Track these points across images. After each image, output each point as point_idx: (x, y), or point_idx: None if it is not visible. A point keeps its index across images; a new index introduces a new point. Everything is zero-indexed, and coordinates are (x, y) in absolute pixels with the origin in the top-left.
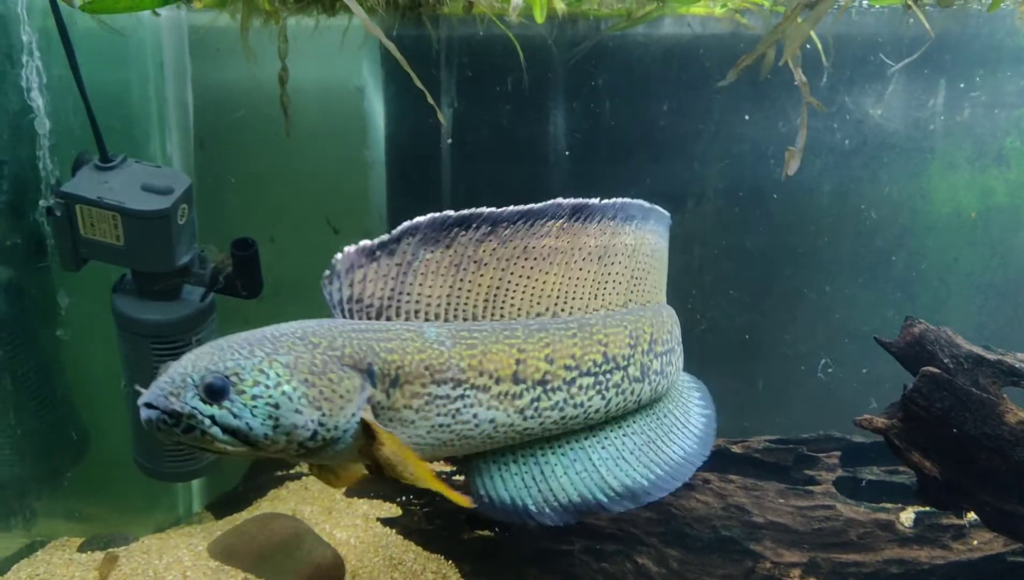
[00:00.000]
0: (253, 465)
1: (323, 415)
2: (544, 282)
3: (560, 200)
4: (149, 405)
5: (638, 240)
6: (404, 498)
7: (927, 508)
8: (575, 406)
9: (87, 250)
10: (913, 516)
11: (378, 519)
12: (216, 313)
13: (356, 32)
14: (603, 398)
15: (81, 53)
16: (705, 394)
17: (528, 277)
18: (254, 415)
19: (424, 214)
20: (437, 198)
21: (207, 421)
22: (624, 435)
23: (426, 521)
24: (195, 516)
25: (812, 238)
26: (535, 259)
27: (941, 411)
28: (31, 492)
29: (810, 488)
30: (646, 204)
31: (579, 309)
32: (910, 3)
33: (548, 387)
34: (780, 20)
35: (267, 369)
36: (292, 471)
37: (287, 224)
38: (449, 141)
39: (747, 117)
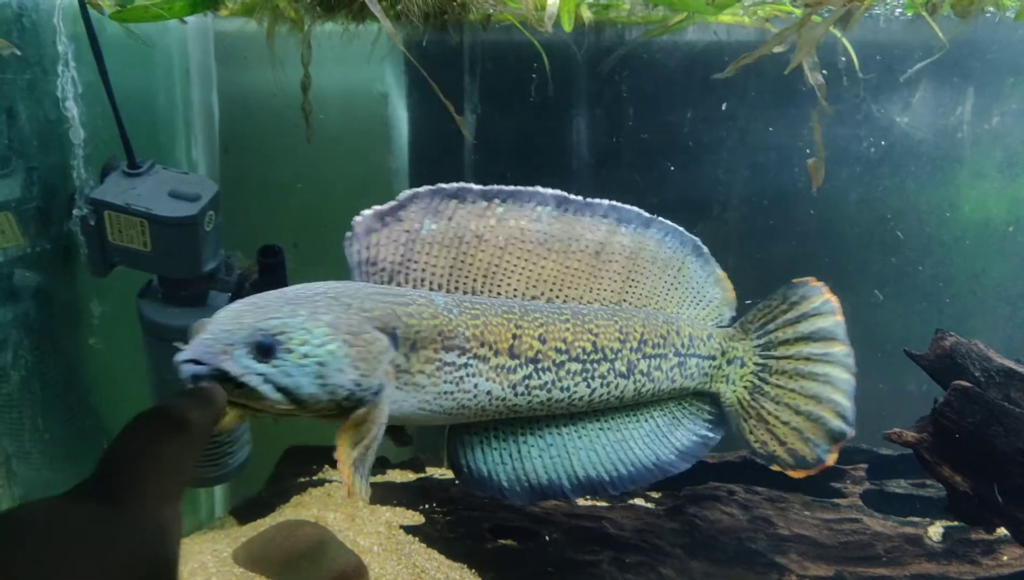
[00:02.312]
0: (275, 471)
1: (361, 375)
2: (541, 267)
3: (539, 188)
4: (196, 361)
5: (637, 244)
6: (427, 506)
7: (956, 523)
8: (561, 389)
9: (115, 256)
10: (942, 530)
11: (401, 527)
12: None
13: (382, 39)
14: (588, 386)
15: (109, 60)
16: (718, 420)
17: (526, 259)
18: (304, 374)
19: None
20: None
21: (257, 378)
22: (600, 429)
23: (449, 529)
24: (218, 521)
25: (837, 247)
26: (532, 242)
27: (972, 425)
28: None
29: (836, 501)
30: (644, 213)
31: (573, 298)
32: (922, 12)
33: (539, 366)
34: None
35: (312, 328)
36: (315, 478)
37: (311, 230)
38: (473, 143)
39: (772, 124)
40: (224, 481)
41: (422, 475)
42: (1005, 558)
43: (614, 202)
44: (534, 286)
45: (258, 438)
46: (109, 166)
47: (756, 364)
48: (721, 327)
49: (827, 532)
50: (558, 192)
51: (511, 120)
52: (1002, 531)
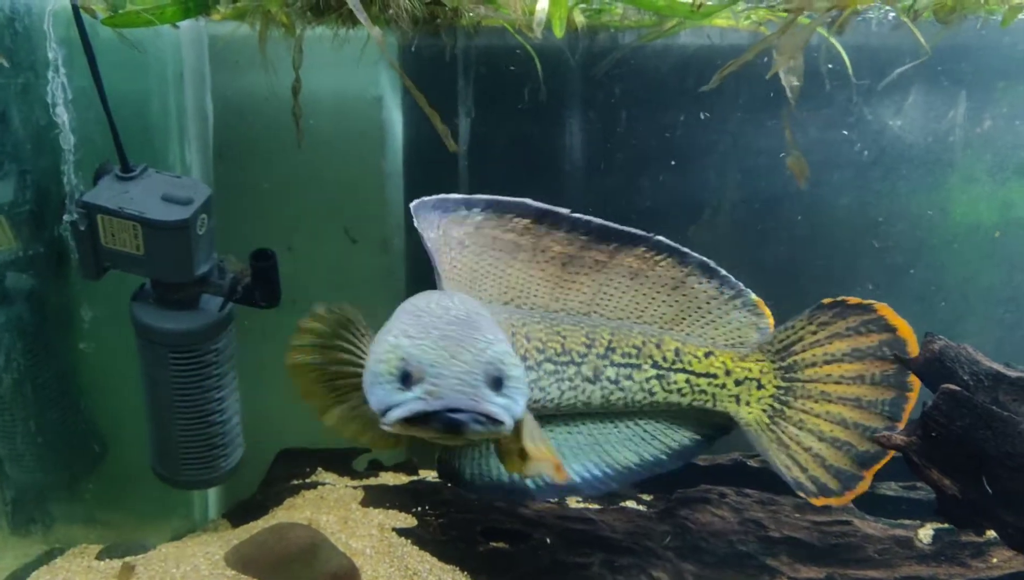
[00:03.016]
0: (268, 474)
1: (536, 391)
2: (509, 273)
3: (528, 201)
4: (457, 410)
5: (613, 260)
6: (420, 508)
7: (946, 525)
8: (539, 389)
9: (107, 259)
10: (932, 533)
11: (394, 529)
12: (235, 322)
13: (374, 44)
14: (559, 389)
15: (102, 64)
16: (697, 444)
17: (497, 265)
18: (521, 396)
19: None
20: None
21: (503, 412)
22: (569, 432)
23: (441, 532)
24: (211, 524)
25: (829, 251)
26: (501, 250)
27: (961, 429)
28: (50, 499)
29: None
30: (639, 232)
31: (540, 305)
32: (904, 17)
33: (526, 363)
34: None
35: (513, 353)
36: (309, 480)
37: (305, 234)
38: (465, 148)
39: (764, 128)
40: (217, 483)
41: (415, 478)
42: (995, 560)
43: (602, 221)
44: (504, 292)
45: (251, 440)
46: (102, 170)
47: (777, 387)
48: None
49: (818, 534)
50: (545, 206)
51: (505, 124)
52: (992, 534)
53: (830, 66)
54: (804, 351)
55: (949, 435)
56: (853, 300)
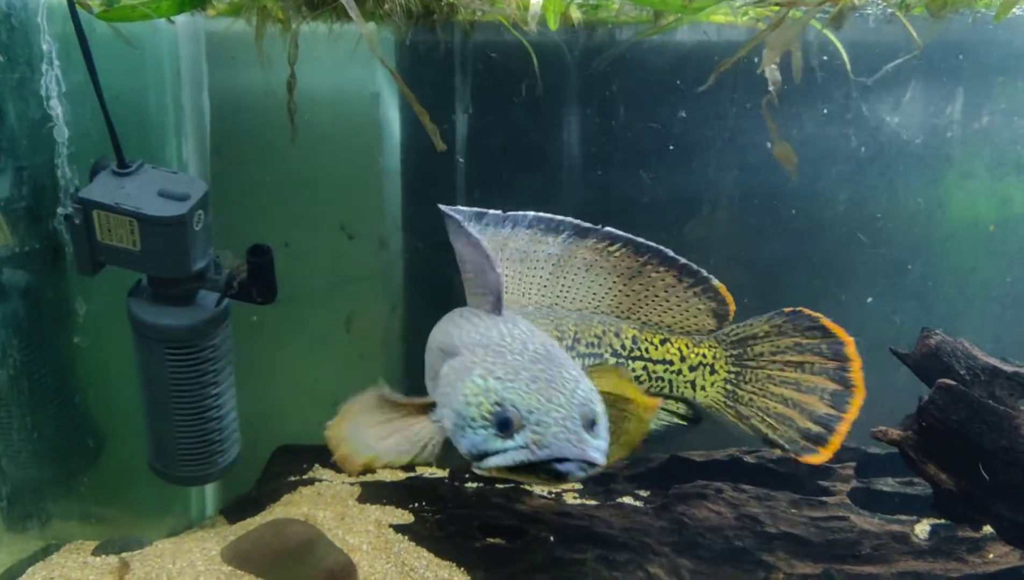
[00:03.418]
0: (265, 470)
1: None
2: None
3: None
4: (565, 459)
5: (567, 252)
6: (416, 505)
7: (942, 520)
8: None
9: (104, 255)
10: (928, 528)
11: (390, 525)
12: (231, 318)
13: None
14: None
15: (99, 60)
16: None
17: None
18: (608, 433)
19: (437, 220)
20: (451, 203)
21: (601, 455)
22: None
23: (438, 528)
24: (208, 520)
25: (827, 247)
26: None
27: (957, 423)
28: (47, 495)
29: (824, 499)
30: (583, 224)
31: (509, 302)
32: (898, 12)
33: None
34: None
35: (593, 387)
36: (306, 477)
37: (302, 230)
38: (463, 145)
39: (761, 124)
40: (214, 479)
41: (411, 474)
42: (991, 555)
43: (541, 214)
44: None
45: (248, 437)
46: (98, 166)
47: (728, 372)
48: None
49: (814, 530)
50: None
51: (502, 119)
52: (988, 529)
53: (824, 57)
54: (755, 344)
55: (945, 429)
56: (807, 311)
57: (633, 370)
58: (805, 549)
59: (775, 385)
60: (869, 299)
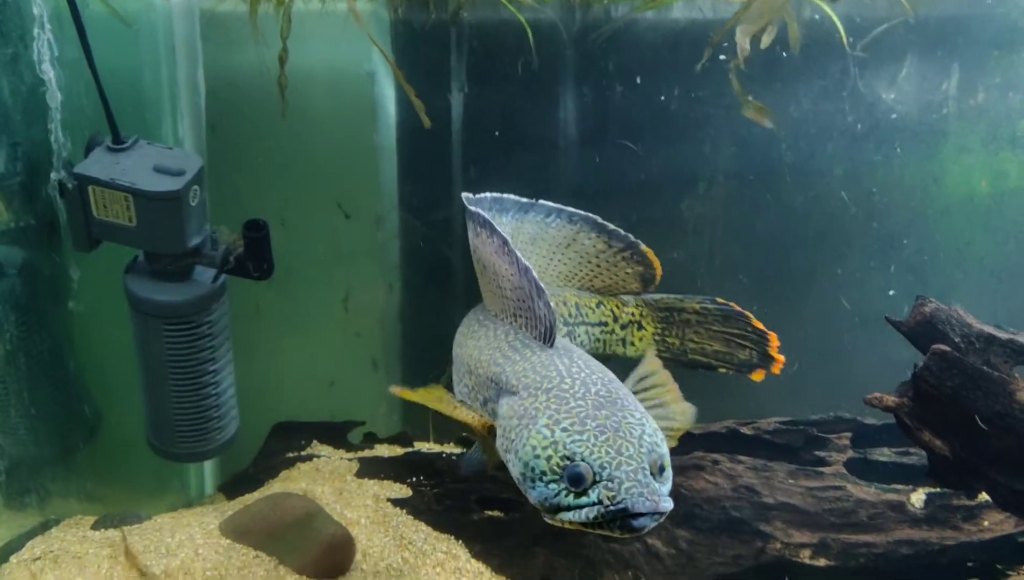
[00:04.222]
0: (264, 447)
1: None
2: None
3: None
4: (639, 514)
5: (515, 229)
6: (414, 479)
7: (938, 489)
8: None
9: (100, 231)
10: (924, 497)
11: (388, 499)
12: (228, 295)
13: (366, 17)
14: None
15: (93, 36)
16: None
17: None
18: (671, 479)
19: (434, 198)
20: (448, 181)
21: (670, 503)
22: None
23: (436, 502)
24: (208, 499)
25: (823, 222)
26: None
27: (952, 390)
28: (45, 471)
29: (820, 469)
30: (524, 200)
31: None
32: None
33: None
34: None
35: (657, 427)
36: (304, 453)
37: (298, 208)
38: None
39: (757, 100)
40: (213, 456)
41: (409, 449)
42: (986, 523)
43: (496, 194)
44: None
45: (245, 415)
46: (93, 141)
47: (655, 326)
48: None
49: (811, 499)
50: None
51: (498, 97)
52: (983, 497)
53: (816, 17)
54: (682, 315)
55: (940, 395)
56: (736, 306)
57: (579, 336)
58: (802, 518)
59: (701, 337)
60: (891, 292)
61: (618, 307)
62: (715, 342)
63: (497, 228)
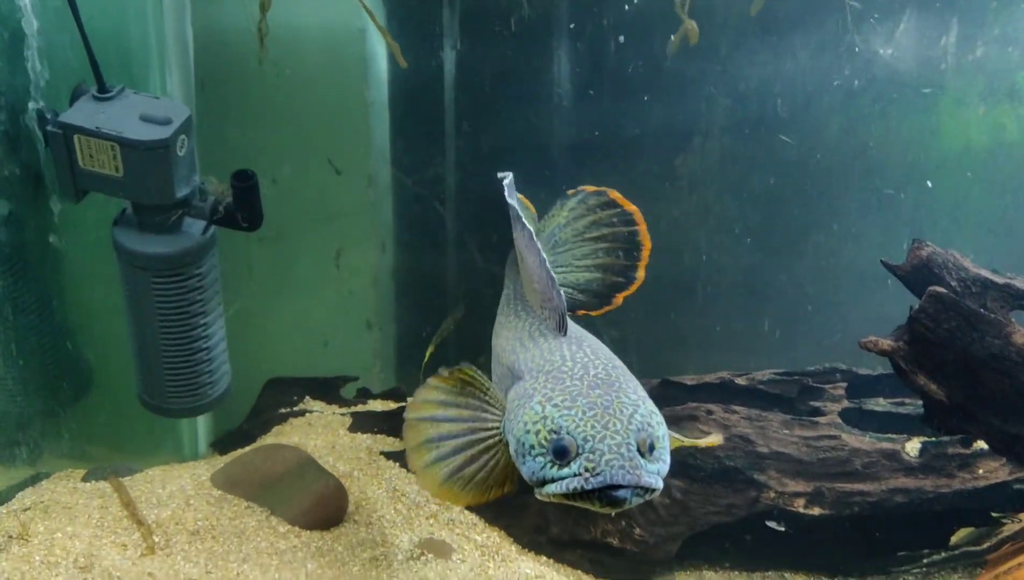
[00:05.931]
0: (256, 403)
1: None
2: None
3: None
4: (618, 486)
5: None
6: None
7: (933, 438)
8: None
9: (86, 181)
10: (919, 446)
11: (381, 452)
12: (217, 247)
13: None
14: None
15: None
16: None
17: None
18: (668, 454)
19: (427, 153)
20: (440, 138)
21: (657, 479)
22: None
23: None
24: (201, 456)
25: (820, 176)
26: None
27: (948, 332)
28: (35, 427)
29: (815, 419)
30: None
31: None
32: None
33: None
34: None
35: (655, 409)
36: (296, 409)
37: (290, 165)
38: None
39: (753, 54)
40: (205, 411)
41: (402, 404)
42: (980, 471)
43: None
44: None
45: (238, 372)
46: (78, 91)
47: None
48: None
49: (805, 449)
50: None
51: (491, 53)
52: (978, 445)
53: None
54: (559, 232)
55: (935, 338)
56: (590, 188)
57: None
58: (796, 468)
59: (579, 260)
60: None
61: None
62: (590, 259)
63: (525, 221)
